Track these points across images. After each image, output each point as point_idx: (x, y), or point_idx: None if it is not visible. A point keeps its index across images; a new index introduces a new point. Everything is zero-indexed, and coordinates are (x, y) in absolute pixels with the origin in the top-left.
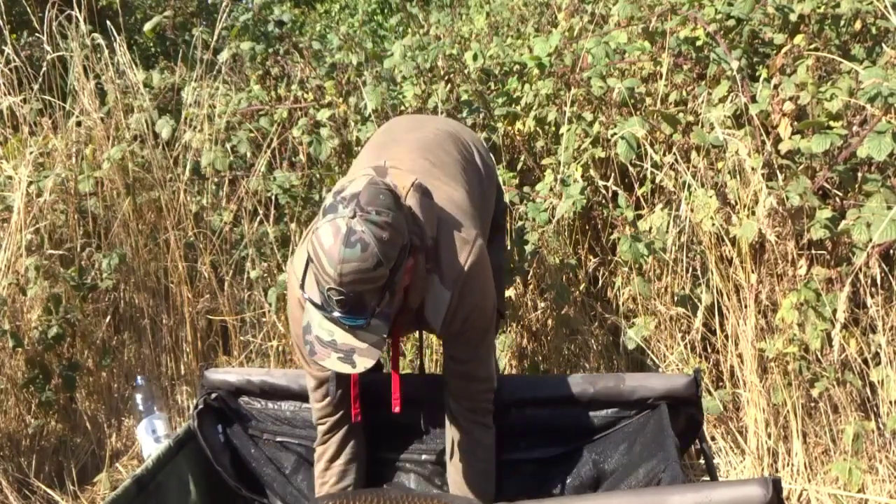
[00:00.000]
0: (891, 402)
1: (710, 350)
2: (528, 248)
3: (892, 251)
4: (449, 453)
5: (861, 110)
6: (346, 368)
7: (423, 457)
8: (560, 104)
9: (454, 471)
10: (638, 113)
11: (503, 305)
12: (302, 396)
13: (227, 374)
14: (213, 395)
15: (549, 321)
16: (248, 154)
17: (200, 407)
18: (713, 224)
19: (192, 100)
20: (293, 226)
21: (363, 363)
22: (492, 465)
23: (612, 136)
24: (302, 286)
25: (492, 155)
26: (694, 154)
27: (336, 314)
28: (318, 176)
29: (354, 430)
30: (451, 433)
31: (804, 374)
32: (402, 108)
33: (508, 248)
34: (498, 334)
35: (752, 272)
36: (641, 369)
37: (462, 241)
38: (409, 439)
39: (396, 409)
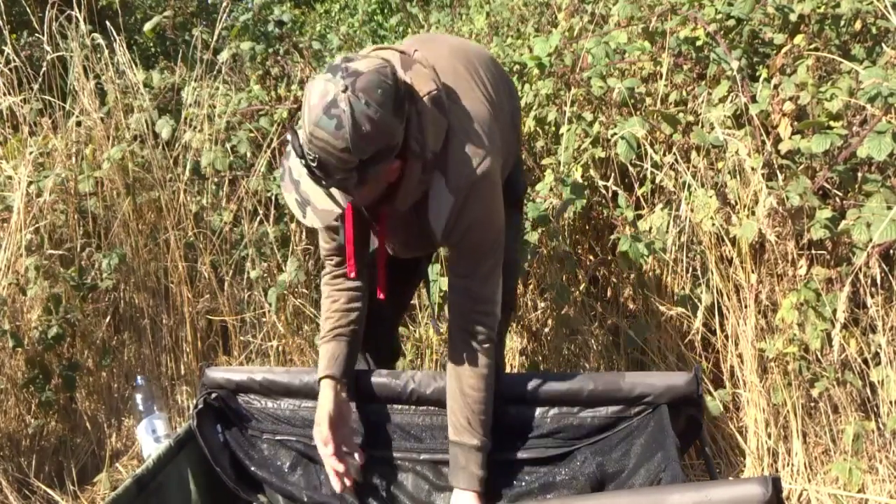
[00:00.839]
0: (891, 402)
1: (710, 350)
2: (528, 248)
3: (892, 251)
4: (447, 377)
5: (861, 110)
6: (297, 213)
7: (423, 456)
8: (560, 104)
9: (451, 395)
10: (638, 113)
11: (514, 302)
12: (301, 394)
13: (228, 371)
14: (213, 395)
15: (549, 321)
16: (248, 154)
17: (200, 407)
18: (713, 224)
19: (192, 100)
20: (293, 226)
21: (311, 220)
22: (486, 393)
23: (612, 136)
24: (295, 123)
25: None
26: (694, 154)
27: (304, 159)
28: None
29: (359, 296)
30: (448, 355)
31: (804, 374)
32: None
33: (525, 234)
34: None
35: (752, 272)
36: (641, 369)
37: (473, 151)
38: (407, 439)
39: (381, 296)
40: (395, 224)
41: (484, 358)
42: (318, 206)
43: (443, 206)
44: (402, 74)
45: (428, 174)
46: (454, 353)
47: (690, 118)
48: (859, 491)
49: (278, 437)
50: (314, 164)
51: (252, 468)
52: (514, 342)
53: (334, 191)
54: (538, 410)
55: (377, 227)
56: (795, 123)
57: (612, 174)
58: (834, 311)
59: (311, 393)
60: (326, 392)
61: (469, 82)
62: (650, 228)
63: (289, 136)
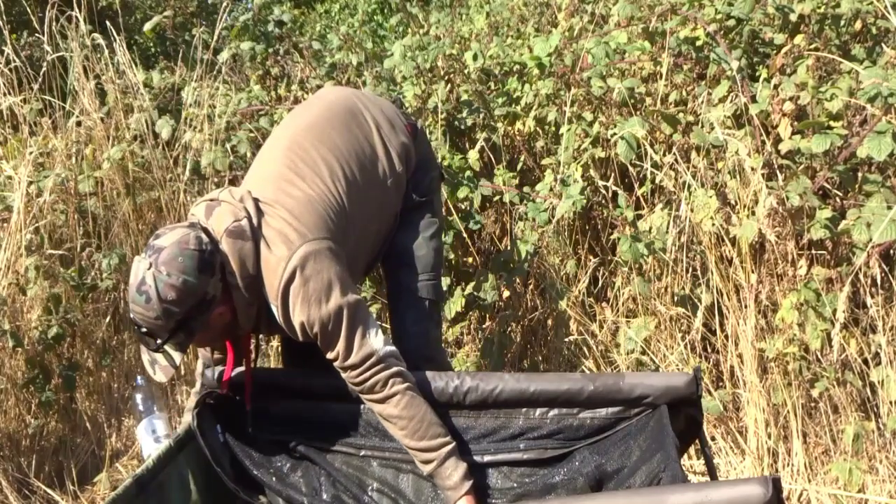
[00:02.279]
0: (891, 402)
1: (710, 350)
2: (528, 248)
3: (892, 251)
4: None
5: (861, 110)
6: (150, 371)
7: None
8: (560, 104)
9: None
10: (638, 113)
11: (439, 295)
12: (301, 395)
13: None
14: (213, 395)
15: (549, 321)
16: (248, 154)
17: (199, 407)
18: (713, 224)
19: (192, 100)
20: None
21: (159, 376)
22: (417, 422)
23: (612, 136)
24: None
25: (417, 129)
26: (694, 154)
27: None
28: None
29: None
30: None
31: (804, 374)
32: (403, 108)
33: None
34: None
35: (752, 272)
36: (641, 369)
37: (276, 261)
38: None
39: (248, 407)
40: (263, 334)
41: (388, 404)
42: (161, 364)
43: (274, 313)
44: (206, 223)
45: (252, 295)
46: (377, 412)
47: (690, 118)
48: (859, 491)
49: (278, 438)
50: (144, 333)
51: (252, 469)
52: (513, 342)
53: (169, 348)
54: (538, 411)
55: (242, 348)
56: (795, 123)
57: (612, 174)
58: (834, 311)
59: (310, 394)
60: None
61: (306, 169)
62: (650, 228)
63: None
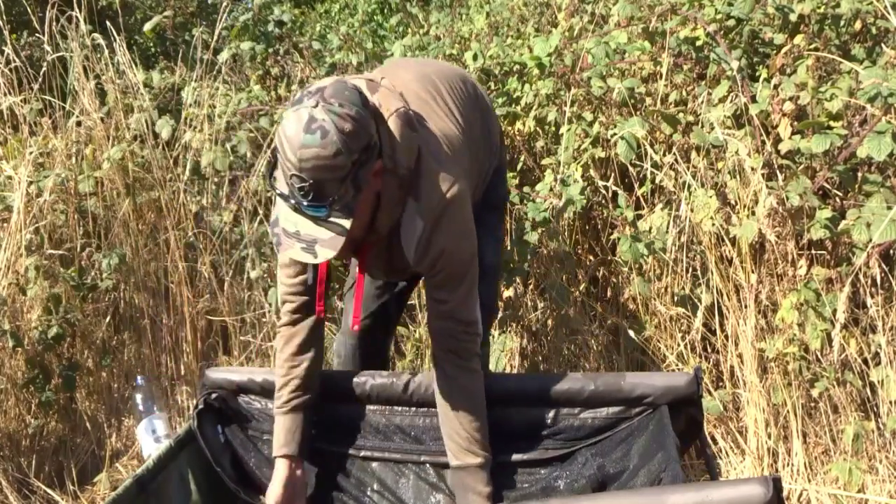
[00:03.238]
0: (891, 402)
1: (710, 350)
2: (529, 248)
3: (892, 251)
4: (439, 402)
5: (861, 110)
6: (308, 258)
7: (423, 458)
8: (560, 104)
9: (445, 420)
10: (638, 113)
11: (496, 305)
12: None
13: (229, 372)
14: (214, 395)
15: (549, 321)
16: (248, 154)
17: (200, 407)
18: (713, 224)
19: (192, 100)
20: None
21: (324, 254)
22: (481, 411)
23: (612, 136)
24: (272, 179)
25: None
26: (694, 154)
27: (299, 202)
28: None
29: (319, 329)
30: (437, 381)
31: (804, 374)
32: None
33: (505, 238)
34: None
35: (752, 272)
36: (641, 369)
37: (444, 177)
38: (408, 440)
39: (355, 327)
40: (371, 255)
41: (472, 377)
42: (326, 238)
43: (414, 230)
44: (370, 96)
45: (404, 193)
46: (442, 377)
47: (690, 118)
48: (859, 491)
49: None
50: (310, 194)
51: (253, 470)
52: (514, 342)
53: (335, 214)
54: (538, 412)
55: (358, 258)
56: (795, 123)
57: (612, 174)
58: (834, 311)
59: None
60: (281, 471)
61: (434, 106)
62: (650, 228)
63: (276, 197)
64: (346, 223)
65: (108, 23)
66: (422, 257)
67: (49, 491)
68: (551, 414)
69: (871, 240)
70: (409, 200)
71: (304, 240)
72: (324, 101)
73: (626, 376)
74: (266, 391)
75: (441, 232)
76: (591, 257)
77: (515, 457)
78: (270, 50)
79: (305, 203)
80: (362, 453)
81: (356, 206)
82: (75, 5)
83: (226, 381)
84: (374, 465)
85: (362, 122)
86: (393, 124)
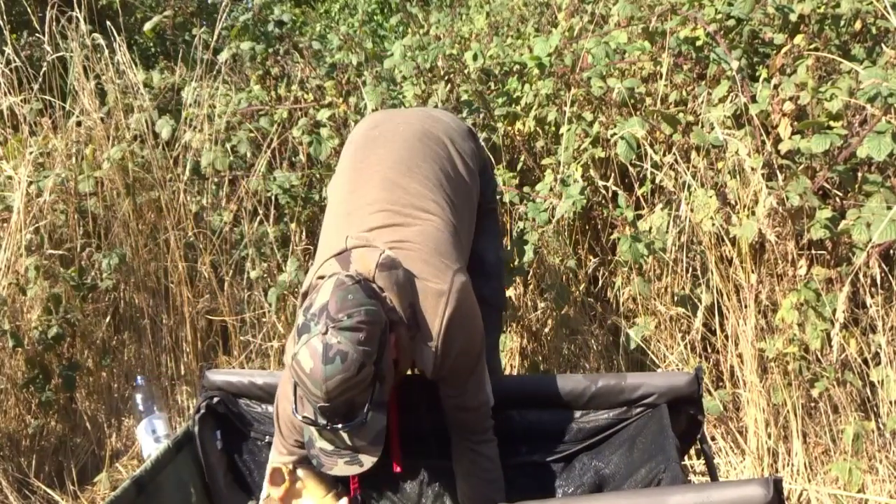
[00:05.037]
0: (891, 402)
1: (710, 350)
2: (528, 248)
3: (892, 251)
4: (459, 472)
5: (861, 110)
6: (354, 469)
7: (425, 459)
8: (560, 104)
9: (465, 486)
10: (638, 113)
11: (503, 302)
12: None
13: (229, 374)
14: (216, 400)
15: (549, 321)
16: (248, 154)
17: (202, 412)
18: (713, 224)
19: (192, 100)
20: (293, 226)
21: (369, 460)
22: (499, 471)
23: (612, 136)
24: (295, 410)
25: (472, 130)
26: (694, 154)
27: (335, 427)
28: (318, 176)
29: None
30: (457, 455)
31: (804, 374)
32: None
33: (505, 235)
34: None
35: (752, 272)
36: (641, 369)
37: (435, 295)
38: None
39: (398, 469)
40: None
41: (487, 445)
42: (366, 444)
43: (426, 355)
44: (351, 267)
45: (413, 328)
46: (461, 458)
47: (690, 118)
48: (859, 491)
49: None
50: (346, 416)
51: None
52: (514, 342)
53: (370, 418)
54: (539, 412)
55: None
56: (795, 123)
57: (612, 174)
58: (834, 311)
59: None
60: None
61: (410, 198)
62: (650, 228)
63: (303, 419)
64: (383, 419)
65: (108, 23)
66: (439, 369)
67: (49, 491)
68: (552, 415)
69: (870, 240)
70: (416, 335)
71: (345, 454)
72: (332, 322)
73: (627, 376)
74: (267, 394)
75: (449, 348)
76: (591, 257)
77: (516, 459)
78: (270, 50)
79: (342, 425)
80: None
81: (386, 395)
82: (75, 5)
83: (226, 383)
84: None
85: (375, 318)
86: (381, 281)
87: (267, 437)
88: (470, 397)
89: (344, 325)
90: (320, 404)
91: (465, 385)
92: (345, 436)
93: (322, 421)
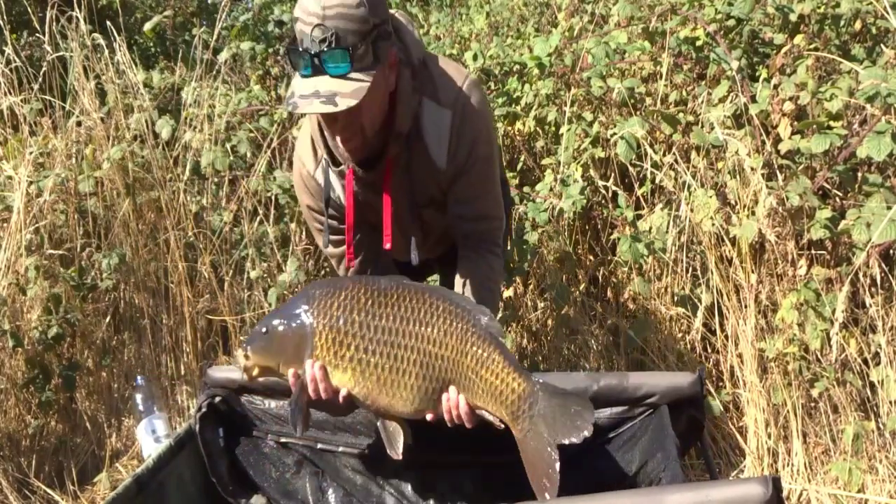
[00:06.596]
0: (891, 402)
1: (710, 350)
2: (529, 248)
3: (891, 251)
4: (462, 274)
5: (861, 110)
6: (328, 108)
7: (427, 457)
8: (560, 104)
9: (467, 288)
10: (638, 113)
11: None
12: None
13: (230, 371)
14: (217, 398)
15: (549, 321)
16: (248, 154)
17: (204, 410)
18: (713, 224)
19: (192, 100)
20: (293, 226)
21: (345, 103)
22: (499, 288)
23: (612, 136)
24: (286, 58)
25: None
26: (694, 154)
27: (320, 54)
28: None
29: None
30: (466, 260)
31: (804, 374)
32: None
33: (525, 235)
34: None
35: (752, 272)
36: (641, 369)
37: (456, 68)
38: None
39: (387, 246)
40: (394, 185)
41: (498, 266)
42: (347, 91)
43: (441, 125)
44: None
45: (418, 90)
46: (472, 261)
47: (690, 118)
48: (859, 491)
49: (283, 440)
50: (332, 44)
51: (256, 470)
52: (514, 342)
53: (356, 71)
54: None
55: (384, 177)
56: (795, 123)
57: (612, 174)
58: (833, 311)
59: None
60: None
61: None
62: (650, 228)
63: (289, 62)
64: (367, 79)
65: (108, 23)
66: (456, 152)
67: (49, 491)
68: None
69: (870, 240)
70: (425, 101)
71: (323, 95)
72: None
73: (630, 376)
74: (268, 390)
75: (468, 117)
76: (591, 257)
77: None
78: (270, 50)
79: (327, 53)
80: (367, 452)
81: (375, 77)
82: (75, 5)
83: (228, 380)
84: (379, 464)
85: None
86: (399, 17)
87: (269, 434)
88: (492, 205)
89: None
90: (314, 24)
91: (485, 184)
92: (325, 79)
93: (311, 46)
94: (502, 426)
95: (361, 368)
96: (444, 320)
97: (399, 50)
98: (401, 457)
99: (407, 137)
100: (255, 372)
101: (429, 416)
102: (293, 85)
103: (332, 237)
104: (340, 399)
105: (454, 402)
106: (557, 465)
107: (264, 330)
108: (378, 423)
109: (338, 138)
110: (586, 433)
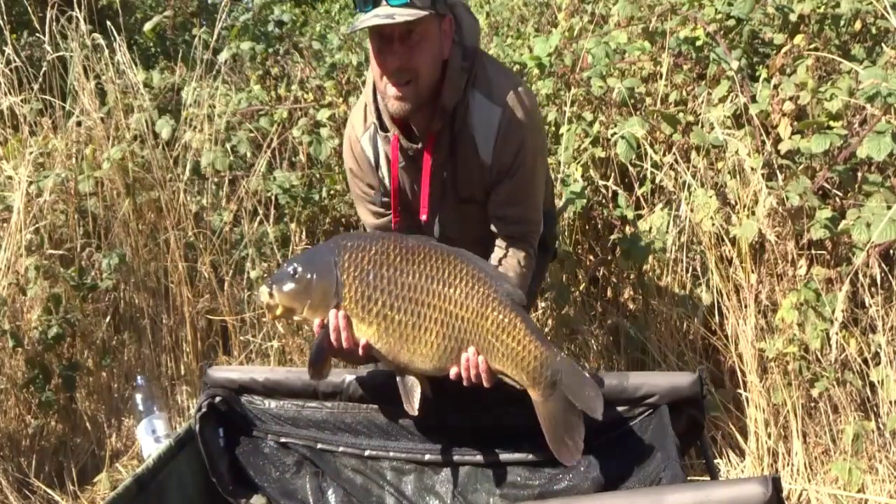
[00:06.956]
0: (891, 402)
1: (710, 350)
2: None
3: (891, 251)
4: (498, 259)
5: (861, 110)
6: (386, 21)
7: (427, 457)
8: (560, 104)
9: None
10: (638, 113)
11: (554, 247)
12: (305, 394)
13: (230, 371)
14: (217, 398)
15: (549, 321)
16: (248, 154)
17: (204, 410)
18: (713, 224)
19: (192, 100)
20: (293, 226)
21: (403, 17)
22: (526, 278)
23: (612, 136)
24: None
25: None
26: (694, 154)
27: None
28: (318, 176)
29: None
30: (496, 251)
31: (804, 374)
32: None
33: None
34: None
35: (752, 272)
36: (641, 369)
37: (512, 74)
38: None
39: (423, 217)
40: (436, 176)
41: (531, 263)
42: (405, 13)
43: (490, 119)
44: None
45: (466, 78)
46: (500, 252)
47: (690, 118)
48: (859, 491)
49: (283, 440)
50: None
51: (256, 469)
52: None
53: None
54: None
55: (424, 151)
56: (795, 123)
57: (612, 174)
58: (833, 311)
59: (314, 394)
60: None
61: None
62: (650, 228)
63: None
64: (426, 11)
65: (108, 23)
66: (502, 150)
67: (49, 491)
68: None
69: (870, 240)
70: (476, 94)
71: (382, 16)
72: None
73: (630, 376)
74: (268, 390)
75: (516, 124)
76: (591, 257)
77: (518, 456)
78: (270, 50)
79: None
80: (367, 453)
81: (432, 22)
82: (75, 5)
83: (227, 380)
84: (379, 465)
85: None
86: (461, 8)
87: (270, 434)
88: (531, 212)
89: None
90: None
91: (527, 198)
92: (385, 7)
93: None
94: (520, 388)
95: (386, 324)
96: (467, 283)
97: (455, 35)
98: (417, 412)
99: (453, 124)
100: (279, 311)
101: (452, 372)
102: (353, 22)
103: (370, 207)
104: (360, 350)
105: (473, 362)
106: (582, 428)
107: (293, 272)
108: (397, 378)
109: (388, 87)
110: (598, 415)
